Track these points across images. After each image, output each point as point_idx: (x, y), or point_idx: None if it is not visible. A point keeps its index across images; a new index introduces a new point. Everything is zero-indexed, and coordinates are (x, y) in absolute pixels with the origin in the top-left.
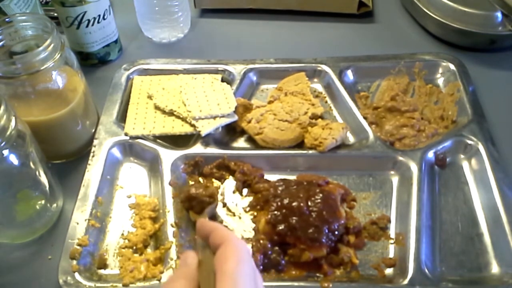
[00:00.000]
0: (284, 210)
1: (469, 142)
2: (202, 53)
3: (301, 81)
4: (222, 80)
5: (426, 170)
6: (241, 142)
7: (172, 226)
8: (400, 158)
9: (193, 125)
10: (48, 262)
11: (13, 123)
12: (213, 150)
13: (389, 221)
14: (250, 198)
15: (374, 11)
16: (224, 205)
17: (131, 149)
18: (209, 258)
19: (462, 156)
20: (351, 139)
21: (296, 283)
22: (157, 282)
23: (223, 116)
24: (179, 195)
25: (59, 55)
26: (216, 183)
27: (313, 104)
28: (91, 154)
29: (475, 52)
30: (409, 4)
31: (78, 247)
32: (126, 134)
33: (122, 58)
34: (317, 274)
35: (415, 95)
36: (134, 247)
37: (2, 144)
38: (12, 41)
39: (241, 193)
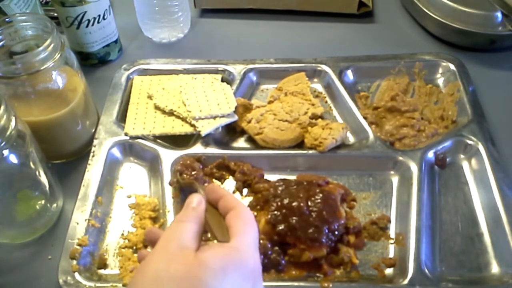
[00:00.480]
0: (284, 210)
1: (469, 142)
2: (202, 53)
3: (301, 81)
4: (222, 80)
5: (426, 170)
6: (241, 142)
7: None
8: (400, 158)
9: (193, 125)
10: (48, 262)
11: (13, 123)
12: (213, 150)
13: (389, 221)
14: (250, 198)
15: (374, 11)
16: None
17: (131, 149)
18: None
19: (462, 156)
20: (351, 139)
21: (296, 283)
22: None
23: (223, 116)
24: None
25: (59, 55)
26: (216, 183)
27: (313, 104)
28: (91, 154)
29: (475, 52)
30: (409, 4)
31: (78, 247)
32: (126, 134)
33: (122, 58)
34: (317, 274)
35: (415, 95)
36: (134, 247)
37: (2, 144)
38: (12, 41)
39: (241, 193)
